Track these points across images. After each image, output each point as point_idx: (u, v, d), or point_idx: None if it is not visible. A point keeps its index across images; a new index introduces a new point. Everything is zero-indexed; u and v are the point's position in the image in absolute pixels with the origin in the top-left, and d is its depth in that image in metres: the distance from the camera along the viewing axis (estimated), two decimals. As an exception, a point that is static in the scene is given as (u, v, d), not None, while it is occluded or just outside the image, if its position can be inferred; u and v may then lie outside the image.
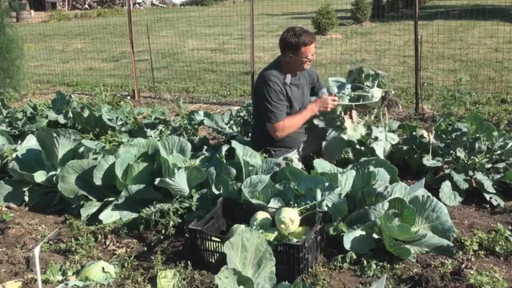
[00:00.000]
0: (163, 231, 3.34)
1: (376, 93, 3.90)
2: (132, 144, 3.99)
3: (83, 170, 3.81)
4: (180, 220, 3.39)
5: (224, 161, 3.74)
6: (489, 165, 3.97)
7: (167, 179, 3.50)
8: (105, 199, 3.74)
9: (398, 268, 2.94)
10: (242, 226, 3.15)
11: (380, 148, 3.98)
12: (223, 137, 5.13)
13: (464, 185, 3.78)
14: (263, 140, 4.04)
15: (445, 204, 3.42)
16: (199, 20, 14.64)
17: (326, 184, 3.24)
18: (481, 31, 10.61)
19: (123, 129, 5.10)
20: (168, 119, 5.29)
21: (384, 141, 4.00)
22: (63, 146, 4.09)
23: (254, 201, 3.31)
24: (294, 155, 4.01)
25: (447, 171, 3.95)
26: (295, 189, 3.35)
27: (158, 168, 3.81)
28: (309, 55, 3.89)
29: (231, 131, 5.06)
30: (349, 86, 4.03)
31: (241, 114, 5.22)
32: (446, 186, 3.81)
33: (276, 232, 3.07)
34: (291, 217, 3.00)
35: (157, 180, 3.58)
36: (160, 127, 5.10)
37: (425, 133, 4.35)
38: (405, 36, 9.64)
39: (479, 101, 6.32)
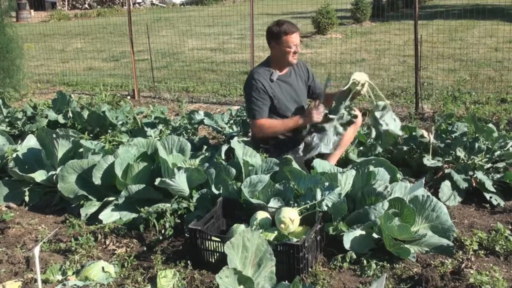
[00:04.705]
0: (163, 231, 3.34)
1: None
2: (132, 144, 3.98)
3: (83, 170, 3.81)
4: (178, 221, 3.39)
5: (223, 162, 3.73)
6: (489, 165, 3.96)
7: (167, 180, 3.49)
8: (105, 199, 3.74)
9: (398, 267, 2.94)
10: (242, 226, 3.15)
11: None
12: (223, 136, 5.13)
13: (464, 185, 3.78)
14: (261, 140, 4.03)
15: (445, 204, 3.42)
16: (199, 19, 14.62)
17: (326, 183, 3.24)
18: (481, 31, 10.61)
19: (123, 128, 5.11)
20: (168, 118, 5.29)
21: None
22: (62, 146, 4.09)
23: (254, 200, 3.31)
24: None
25: (447, 171, 3.95)
26: (295, 189, 3.35)
27: (158, 168, 3.81)
28: (291, 45, 3.92)
29: (231, 130, 5.06)
30: None
31: (241, 114, 5.22)
32: (446, 186, 3.81)
33: (276, 232, 3.07)
34: (291, 217, 3.00)
35: (157, 181, 3.57)
36: (160, 126, 5.10)
37: (425, 133, 4.35)
38: (405, 35, 9.63)
39: (479, 101, 6.32)
